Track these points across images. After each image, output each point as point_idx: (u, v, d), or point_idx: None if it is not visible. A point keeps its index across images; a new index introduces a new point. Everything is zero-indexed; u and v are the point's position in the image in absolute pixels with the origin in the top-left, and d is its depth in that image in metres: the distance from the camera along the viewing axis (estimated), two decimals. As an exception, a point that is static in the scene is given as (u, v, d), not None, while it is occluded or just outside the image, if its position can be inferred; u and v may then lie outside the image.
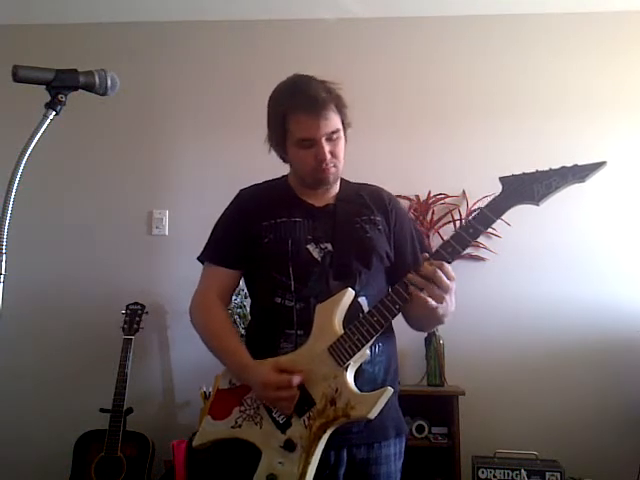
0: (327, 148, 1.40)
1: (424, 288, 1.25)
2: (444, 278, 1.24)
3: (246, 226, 1.48)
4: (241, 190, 1.59)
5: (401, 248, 1.51)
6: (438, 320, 1.35)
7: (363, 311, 1.38)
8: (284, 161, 1.54)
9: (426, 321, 1.46)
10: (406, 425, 1.51)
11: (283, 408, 1.31)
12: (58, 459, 2.71)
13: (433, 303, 1.26)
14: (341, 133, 1.44)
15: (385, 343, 1.42)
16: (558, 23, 3.07)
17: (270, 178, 1.61)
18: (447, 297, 1.27)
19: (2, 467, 2.83)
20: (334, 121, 1.41)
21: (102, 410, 2.65)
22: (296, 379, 1.28)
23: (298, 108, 1.39)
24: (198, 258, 1.56)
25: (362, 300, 1.39)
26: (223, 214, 1.57)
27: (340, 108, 1.43)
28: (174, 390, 2.98)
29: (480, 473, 2.57)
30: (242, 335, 1.62)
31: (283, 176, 1.59)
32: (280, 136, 1.45)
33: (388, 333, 1.43)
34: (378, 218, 1.49)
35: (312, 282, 1.39)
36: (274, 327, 1.41)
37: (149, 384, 2.96)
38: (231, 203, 1.58)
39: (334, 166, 1.43)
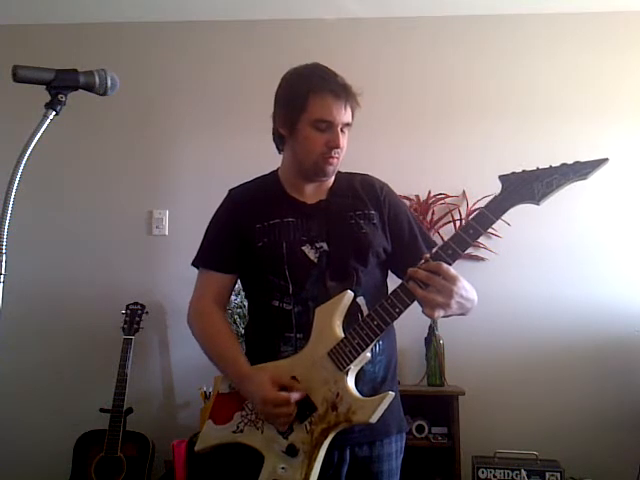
0: (341, 136, 1.40)
1: (429, 283, 1.22)
2: (450, 270, 1.22)
3: (239, 229, 1.46)
4: (231, 190, 1.56)
5: (399, 236, 1.49)
6: (457, 314, 1.30)
7: (362, 311, 1.37)
8: (279, 148, 1.51)
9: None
10: (406, 422, 1.50)
11: (279, 424, 1.30)
12: (58, 459, 2.71)
13: (440, 299, 1.21)
14: (348, 129, 1.44)
15: (385, 341, 1.41)
16: (557, 23, 3.07)
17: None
18: (455, 288, 1.22)
19: (2, 467, 2.83)
20: (350, 114, 1.42)
21: (102, 410, 2.65)
22: (294, 396, 1.27)
23: (326, 89, 1.38)
24: (192, 264, 1.53)
25: (360, 300, 1.38)
26: (215, 216, 1.54)
27: (355, 106, 1.43)
28: (174, 390, 2.97)
29: (480, 473, 2.57)
30: (241, 335, 1.61)
31: (272, 172, 1.56)
32: (296, 113, 1.40)
33: (388, 329, 1.40)
34: (372, 212, 1.47)
35: (309, 284, 1.38)
36: (273, 330, 1.40)
37: (149, 384, 2.96)
38: (222, 204, 1.55)
39: (338, 157, 1.42)
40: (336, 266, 1.39)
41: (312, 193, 1.48)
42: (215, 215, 1.55)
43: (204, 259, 1.52)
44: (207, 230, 1.55)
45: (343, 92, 1.39)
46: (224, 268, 1.48)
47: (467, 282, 1.28)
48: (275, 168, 1.56)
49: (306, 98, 1.38)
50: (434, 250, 1.28)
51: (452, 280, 1.23)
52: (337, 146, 1.39)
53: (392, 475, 1.42)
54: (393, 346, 1.48)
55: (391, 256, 1.49)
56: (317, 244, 1.41)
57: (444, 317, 1.28)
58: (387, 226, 1.48)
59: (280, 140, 1.49)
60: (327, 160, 1.41)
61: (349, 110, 1.40)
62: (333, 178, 1.51)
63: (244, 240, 1.44)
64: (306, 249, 1.41)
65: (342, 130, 1.40)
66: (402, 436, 1.47)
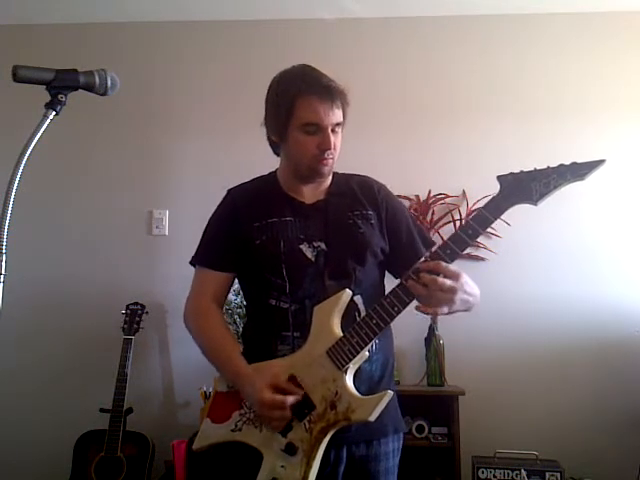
0: (331, 138, 1.39)
1: (429, 283, 1.23)
2: (450, 267, 1.24)
3: (237, 228, 1.46)
4: (229, 190, 1.56)
5: (396, 236, 1.49)
6: (461, 310, 1.32)
7: (359, 310, 1.37)
8: (275, 152, 1.52)
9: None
10: (404, 423, 1.51)
11: (273, 427, 1.30)
12: (58, 459, 2.71)
13: (443, 295, 1.24)
14: (341, 128, 1.43)
15: (382, 340, 1.41)
16: (557, 23, 3.07)
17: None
18: (458, 285, 1.25)
19: (2, 467, 2.83)
20: (340, 113, 1.41)
21: (102, 410, 2.65)
22: (290, 399, 1.27)
23: (311, 92, 1.37)
24: (190, 262, 1.54)
25: (357, 299, 1.38)
26: (213, 216, 1.55)
27: (344, 104, 1.42)
28: (174, 390, 2.98)
29: (480, 473, 2.57)
30: (240, 335, 1.61)
31: (271, 172, 1.56)
32: (284, 119, 1.40)
33: (387, 328, 1.40)
34: (370, 212, 1.47)
35: (307, 283, 1.38)
36: (270, 329, 1.40)
37: (149, 384, 2.96)
38: (220, 204, 1.55)
39: (332, 158, 1.41)
40: (334, 265, 1.40)
41: (310, 193, 1.48)
42: (214, 214, 1.55)
43: (202, 257, 1.52)
44: (205, 229, 1.55)
45: (329, 93, 1.37)
46: (222, 267, 1.48)
47: (469, 278, 1.29)
48: (274, 168, 1.56)
49: (292, 103, 1.37)
50: (433, 250, 1.29)
51: (454, 277, 1.25)
52: (329, 148, 1.38)
53: (389, 474, 1.42)
54: (390, 345, 1.48)
55: (389, 257, 1.49)
56: (315, 243, 1.41)
57: (448, 314, 1.30)
58: (385, 227, 1.48)
59: (274, 145, 1.50)
60: (321, 162, 1.40)
61: (338, 109, 1.39)
62: (330, 179, 1.51)
63: (242, 239, 1.44)
64: (303, 248, 1.41)
65: (333, 130, 1.39)
66: (399, 436, 1.47)
